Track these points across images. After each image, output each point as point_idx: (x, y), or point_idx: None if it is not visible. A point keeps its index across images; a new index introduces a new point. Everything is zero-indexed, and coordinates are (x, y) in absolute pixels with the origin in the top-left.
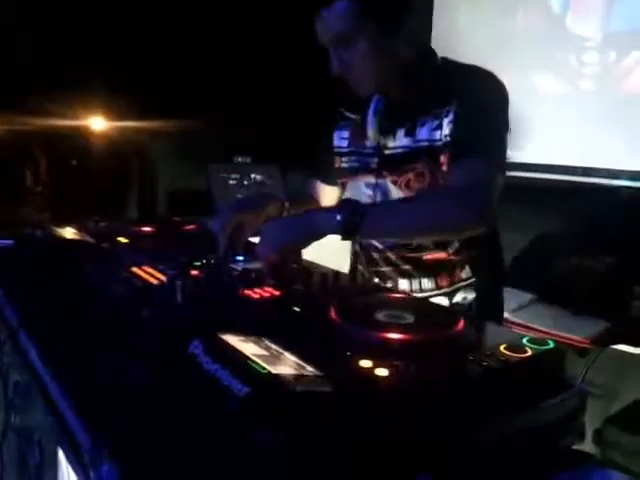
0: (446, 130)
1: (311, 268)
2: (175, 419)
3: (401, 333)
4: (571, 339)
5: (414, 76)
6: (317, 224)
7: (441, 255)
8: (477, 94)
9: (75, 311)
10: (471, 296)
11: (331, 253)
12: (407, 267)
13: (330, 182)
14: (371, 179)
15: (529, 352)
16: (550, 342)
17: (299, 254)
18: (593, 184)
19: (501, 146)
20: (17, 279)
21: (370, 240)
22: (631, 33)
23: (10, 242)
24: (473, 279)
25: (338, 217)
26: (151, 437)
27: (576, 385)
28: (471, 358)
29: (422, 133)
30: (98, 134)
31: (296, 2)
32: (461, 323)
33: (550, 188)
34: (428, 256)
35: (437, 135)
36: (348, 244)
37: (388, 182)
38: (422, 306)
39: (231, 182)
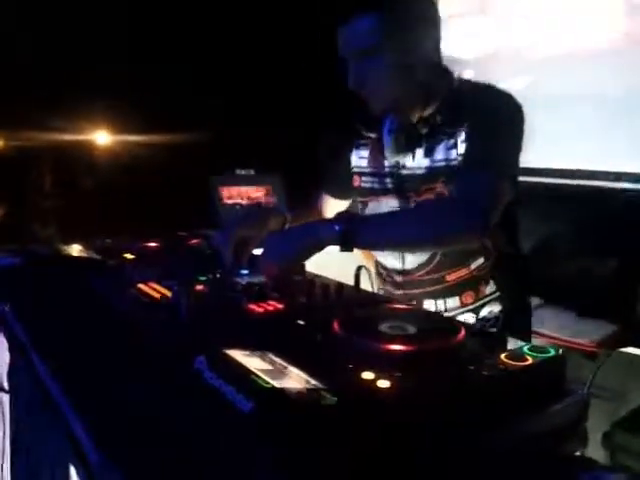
0: (461, 149)
1: (315, 280)
2: (182, 435)
3: (402, 344)
4: (578, 343)
5: (431, 95)
6: (316, 235)
7: (464, 272)
8: (488, 111)
9: (84, 328)
10: (497, 309)
11: (336, 265)
12: (432, 288)
13: (341, 197)
14: (392, 199)
15: (530, 360)
16: (551, 349)
17: (301, 266)
18: (597, 187)
19: (509, 160)
20: (25, 297)
21: (388, 261)
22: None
23: (17, 259)
24: (497, 293)
25: (337, 227)
26: (160, 454)
27: (577, 392)
28: (472, 368)
29: (439, 153)
30: (103, 148)
31: (301, 16)
32: (462, 333)
33: (554, 192)
34: (452, 275)
35: (453, 154)
36: (354, 257)
37: (409, 203)
38: (424, 317)
39: (234, 194)
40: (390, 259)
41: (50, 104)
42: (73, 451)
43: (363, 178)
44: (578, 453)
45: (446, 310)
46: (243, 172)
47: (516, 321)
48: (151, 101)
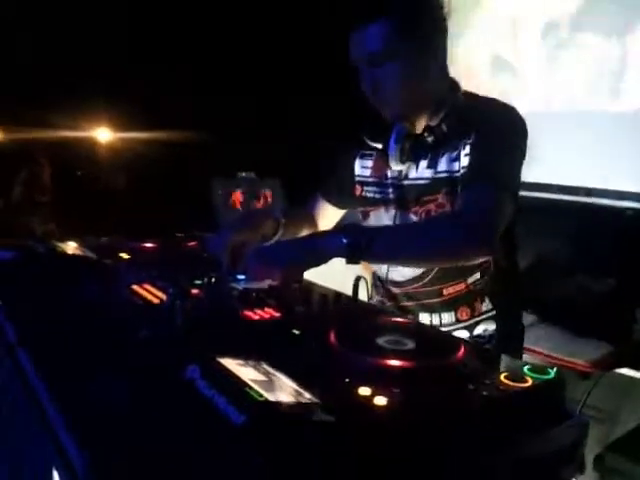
0: (464, 161)
1: (313, 289)
2: (170, 444)
3: (401, 360)
4: (573, 363)
5: (439, 104)
6: (323, 247)
7: (460, 287)
8: (491, 125)
9: (74, 328)
10: (492, 327)
11: (334, 274)
12: (428, 301)
13: (339, 205)
14: (393, 209)
15: (529, 381)
16: (551, 371)
17: (301, 275)
18: (595, 205)
19: (512, 174)
20: (16, 294)
21: (385, 272)
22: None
23: (11, 255)
24: (493, 312)
25: (344, 240)
26: (145, 461)
27: (576, 415)
28: (471, 387)
29: (442, 164)
30: (103, 145)
31: (307, 20)
32: (462, 351)
33: (552, 208)
34: (449, 289)
35: (455, 166)
36: (353, 267)
37: (409, 213)
38: (423, 332)
39: (234, 197)
40: (384, 270)
41: (49, 99)
42: (57, 455)
43: (365, 188)
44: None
45: (441, 325)
46: (244, 175)
47: (510, 341)
48: (154, 100)
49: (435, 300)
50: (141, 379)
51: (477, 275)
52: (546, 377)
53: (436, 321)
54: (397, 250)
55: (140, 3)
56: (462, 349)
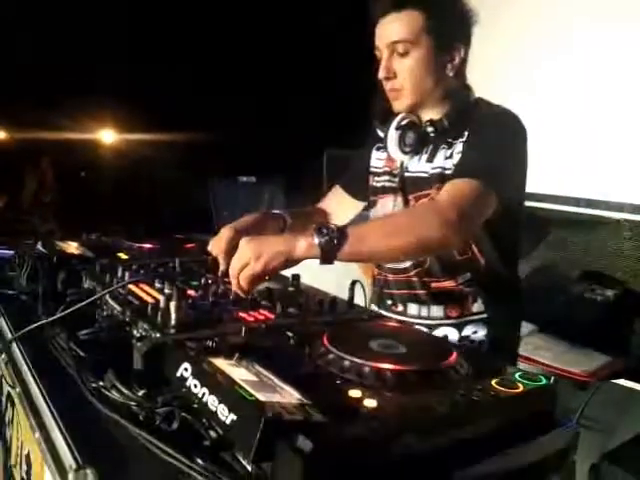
0: (456, 159)
1: (308, 292)
2: (160, 442)
3: (392, 364)
4: (571, 372)
5: (449, 103)
6: (294, 248)
7: (449, 284)
8: (487, 126)
9: (69, 327)
10: (482, 332)
11: (331, 277)
12: (417, 292)
13: (358, 196)
14: (399, 198)
15: (521, 388)
16: (542, 378)
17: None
18: (597, 216)
19: (500, 175)
20: (14, 291)
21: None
22: None
23: (10, 252)
24: (485, 315)
25: (316, 240)
26: (134, 460)
27: (567, 423)
28: (462, 392)
29: (437, 160)
30: (107, 147)
31: (306, 21)
32: (453, 356)
33: (552, 218)
34: (436, 284)
35: (448, 164)
36: (350, 271)
37: (409, 206)
38: (415, 337)
39: (235, 200)
40: None
41: (55, 102)
42: (48, 451)
43: (376, 178)
44: None
45: (429, 317)
46: (245, 179)
47: (502, 348)
48: (158, 103)
49: (425, 292)
50: (134, 377)
51: (468, 275)
52: (537, 384)
53: (424, 313)
54: (371, 247)
55: (142, 8)
56: (454, 354)
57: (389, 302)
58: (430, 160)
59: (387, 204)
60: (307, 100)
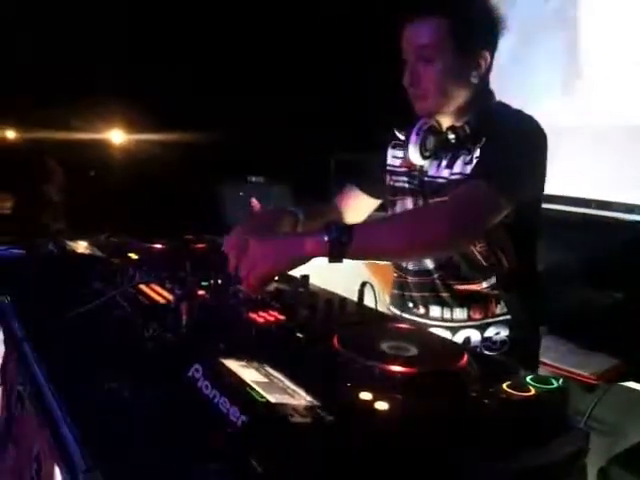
0: (474, 164)
1: (318, 293)
2: (171, 444)
3: (403, 366)
4: (579, 374)
5: (471, 110)
6: (302, 247)
7: (475, 287)
8: (504, 131)
9: (80, 327)
10: (505, 333)
11: (341, 280)
12: (443, 294)
13: (374, 194)
14: (416, 201)
15: (532, 391)
16: (554, 381)
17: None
18: (606, 217)
19: (515, 178)
20: (25, 291)
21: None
22: None
23: (22, 252)
24: (507, 316)
25: (325, 238)
26: (146, 461)
27: (579, 426)
28: (473, 395)
29: (457, 166)
30: (117, 147)
31: (317, 25)
32: (465, 358)
33: (563, 220)
34: (461, 287)
35: (468, 169)
36: (360, 272)
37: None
38: (426, 339)
39: (244, 201)
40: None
41: (65, 102)
42: (58, 451)
43: (394, 177)
44: None
45: (452, 320)
46: (254, 179)
47: (524, 349)
48: (168, 103)
49: (448, 294)
50: (144, 377)
51: (493, 280)
52: (549, 387)
53: (447, 315)
54: (379, 245)
55: (146, 9)
56: (465, 357)
57: (410, 304)
58: (450, 166)
59: (407, 206)
60: (317, 100)
